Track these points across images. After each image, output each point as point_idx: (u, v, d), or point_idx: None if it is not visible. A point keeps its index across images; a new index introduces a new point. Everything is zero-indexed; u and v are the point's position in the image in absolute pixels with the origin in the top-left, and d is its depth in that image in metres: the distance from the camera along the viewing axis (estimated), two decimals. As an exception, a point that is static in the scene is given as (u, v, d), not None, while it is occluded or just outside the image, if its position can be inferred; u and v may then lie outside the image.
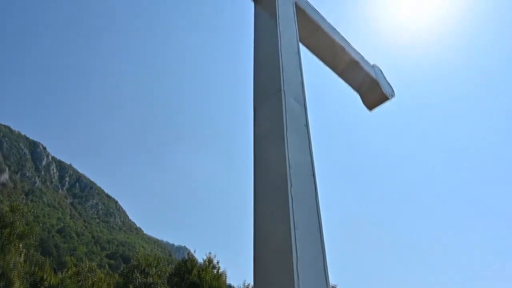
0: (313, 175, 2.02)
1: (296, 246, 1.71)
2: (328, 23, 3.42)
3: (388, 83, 3.83)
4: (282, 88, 2.09)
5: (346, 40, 3.53)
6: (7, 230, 20.02)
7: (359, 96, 3.83)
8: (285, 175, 1.85)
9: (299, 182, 1.91)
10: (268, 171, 1.93)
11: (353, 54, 3.52)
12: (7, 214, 21.20)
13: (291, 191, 1.85)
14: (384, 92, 3.65)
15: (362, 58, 3.66)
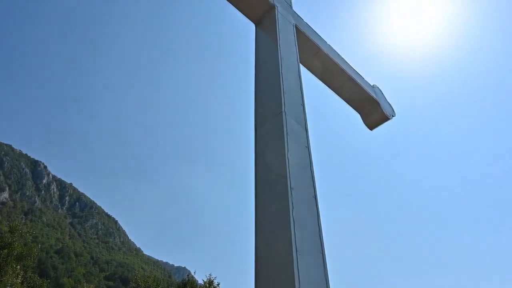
0: (315, 197, 2.00)
1: (298, 270, 1.68)
2: (328, 45, 3.47)
3: (389, 103, 3.85)
4: (283, 110, 2.10)
5: (346, 61, 3.58)
6: (5, 251, 19.78)
7: (360, 116, 3.84)
8: (286, 198, 1.83)
9: (301, 205, 1.89)
10: (270, 194, 1.91)
11: (353, 75, 3.55)
12: (6, 234, 21.00)
13: (292, 214, 1.82)
14: (385, 112, 3.66)
15: (362, 78, 3.69)
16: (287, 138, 1.98)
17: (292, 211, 1.83)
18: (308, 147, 2.13)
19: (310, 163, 2.07)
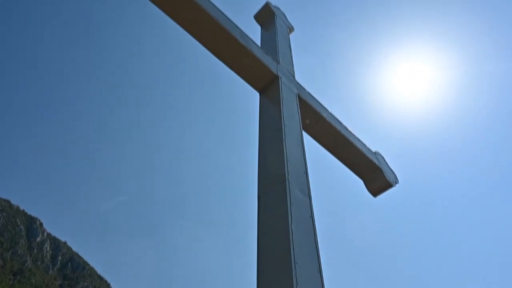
0: (319, 271, 1.90)
1: None
2: (330, 113, 3.57)
3: (391, 170, 3.85)
4: (286, 178, 2.09)
5: (347, 128, 3.65)
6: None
7: (363, 183, 3.82)
8: (290, 271, 1.74)
9: (305, 280, 1.79)
10: (272, 268, 1.82)
11: (355, 142, 3.60)
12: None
13: (296, 290, 1.72)
14: (388, 179, 3.65)
15: (364, 145, 3.73)
16: (290, 208, 1.94)
17: (296, 287, 1.72)
18: (312, 217, 2.07)
19: (315, 234, 2.00)
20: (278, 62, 3.32)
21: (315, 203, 2.24)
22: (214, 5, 2.88)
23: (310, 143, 3.37)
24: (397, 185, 3.78)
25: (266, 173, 2.28)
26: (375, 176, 3.65)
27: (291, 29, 4.35)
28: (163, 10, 2.73)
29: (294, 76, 3.45)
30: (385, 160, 3.81)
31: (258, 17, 4.23)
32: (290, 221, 1.90)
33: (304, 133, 2.96)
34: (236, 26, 3.01)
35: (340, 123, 3.61)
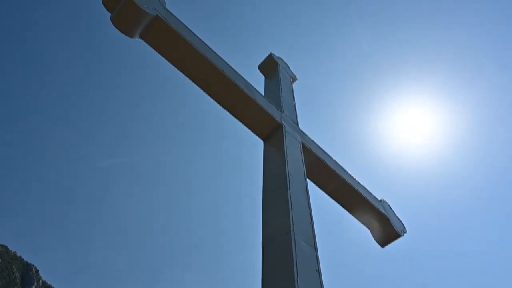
0: (328, 331, 1.79)
1: None
2: (334, 161, 3.55)
3: (398, 219, 3.75)
4: (291, 229, 2.03)
5: (352, 176, 3.62)
6: None
7: (370, 232, 3.70)
8: (296, 332, 1.63)
9: None
10: (277, 326, 1.72)
11: (360, 190, 3.55)
12: None
13: None
14: (395, 229, 3.54)
15: (370, 193, 3.67)
16: (296, 261, 1.86)
17: None
18: (318, 270, 1.99)
19: (321, 289, 1.90)
20: (281, 111, 3.37)
21: (321, 255, 2.16)
22: (219, 57, 2.98)
23: (314, 191, 3.32)
24: (405, 234, 3.66)
25: (270, 223, 2.22)
26: (382, 226, 3.55)
27: (294, 78, 4.48)
28: (169, 60, 2.82)
29: (297, 124, 3.49)
30: (391, 209, 3.73)
31: (262, 67, 4.38)
32: (296, 275, 1.81)
33: (308, 181, 2.93)
34: (241, 76, 3.10)
35: (345, 170, 3.59)
